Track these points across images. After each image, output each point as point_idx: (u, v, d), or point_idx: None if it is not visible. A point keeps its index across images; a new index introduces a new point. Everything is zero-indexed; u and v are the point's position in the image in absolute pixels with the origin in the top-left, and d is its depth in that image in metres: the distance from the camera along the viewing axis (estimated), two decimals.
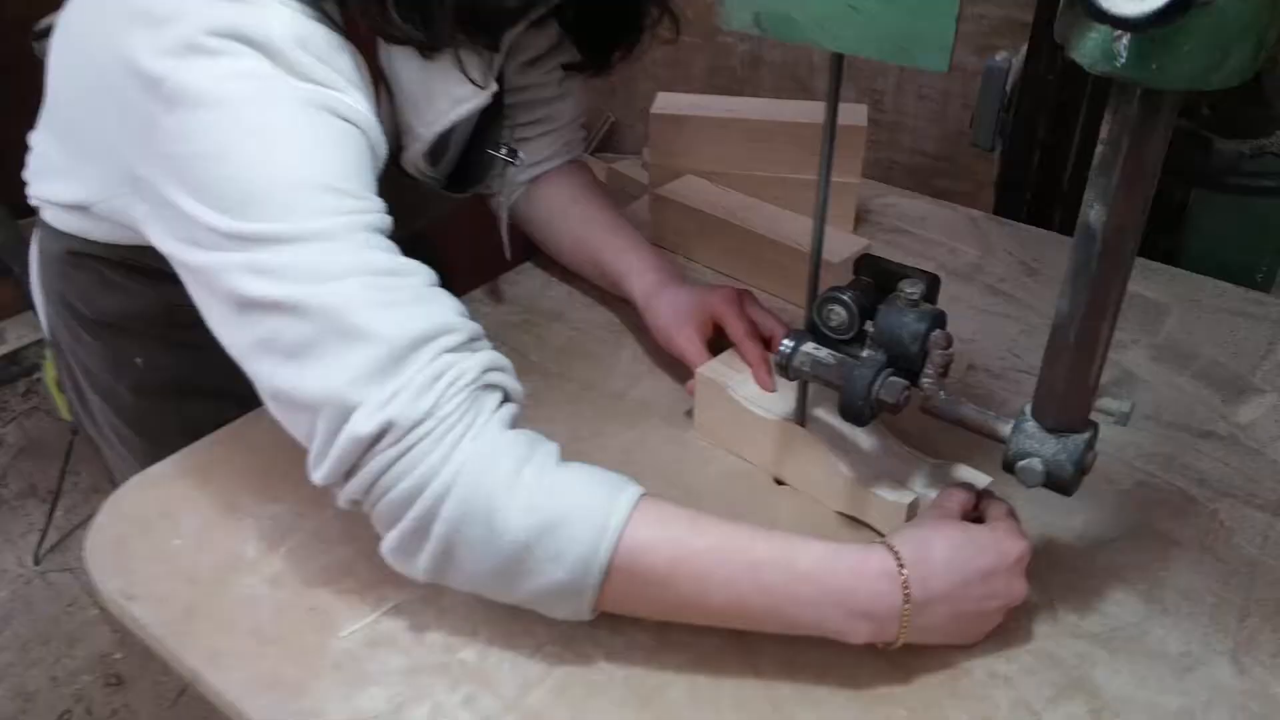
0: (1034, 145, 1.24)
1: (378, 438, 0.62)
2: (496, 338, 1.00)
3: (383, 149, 0.73)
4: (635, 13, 0.91)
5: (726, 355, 0.87)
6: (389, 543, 0.65)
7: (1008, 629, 0.70)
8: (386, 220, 0.68)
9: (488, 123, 0.94)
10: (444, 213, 0.99)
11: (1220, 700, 0.66)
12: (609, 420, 0.90)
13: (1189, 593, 0.73)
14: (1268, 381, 0.94)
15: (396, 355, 0.62)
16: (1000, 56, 1.18)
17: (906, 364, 0.70)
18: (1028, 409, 0.66)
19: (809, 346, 0.74)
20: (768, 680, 0.67)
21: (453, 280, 1.26)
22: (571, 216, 1.04)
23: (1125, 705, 0.65)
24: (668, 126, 1.16)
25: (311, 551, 0.77)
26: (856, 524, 0.79)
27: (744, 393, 0.83)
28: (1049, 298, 1.03)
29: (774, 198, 1.14)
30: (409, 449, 0.62)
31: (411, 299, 0.65)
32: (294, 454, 0.66)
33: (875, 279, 0.74)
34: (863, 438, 0.80)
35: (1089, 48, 0.49)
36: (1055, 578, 0.74)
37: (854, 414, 0.70)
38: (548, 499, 0.63)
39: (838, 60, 0.65)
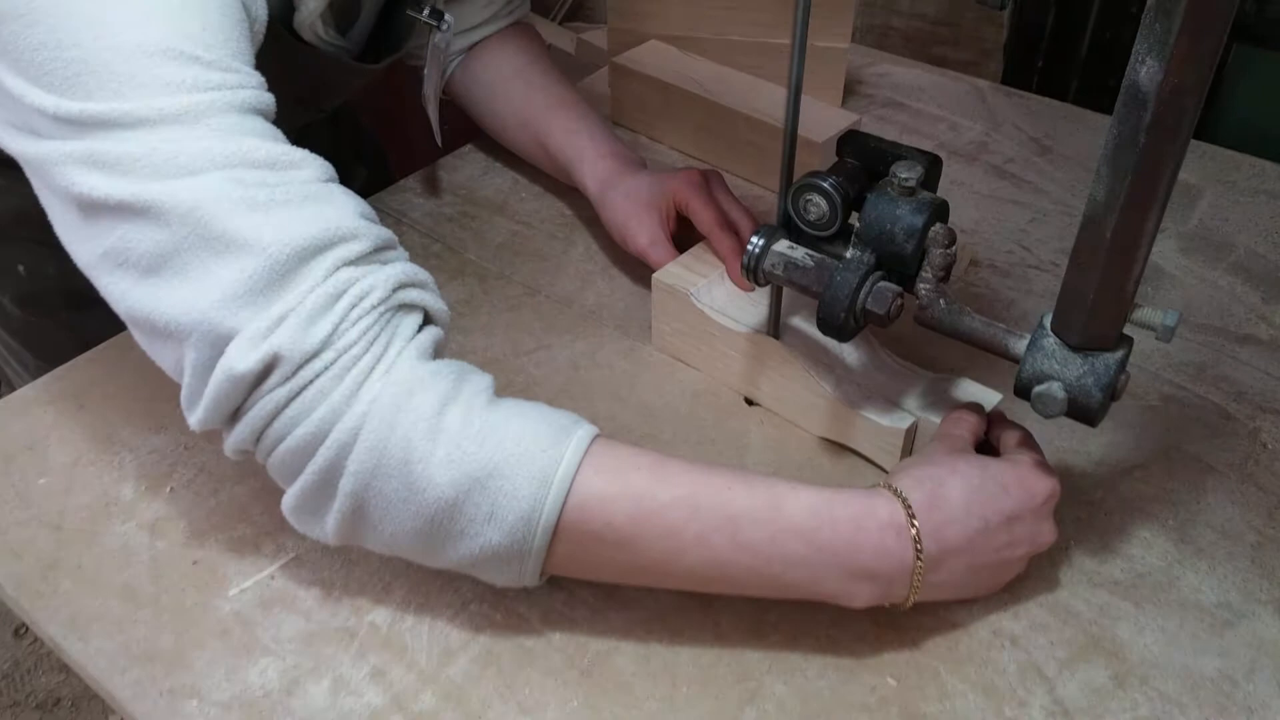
0: (1049, 2, 1.08)
1: (263, 374, 0.49)
2: (430, 233, 0.88)
3: (261, 7, 0.58)
4: None
5: (688, 256, 0.74)
6: (289, 500, 0.53)
7: (1018, 577, 0.59)
8: (265, 99, 0.54)
9: None
10: (359, 89, 0.85)
11: (1265, 661, 0.56)
12: (555, 330, 0.77)
13: (1227, 530, 0.63)
14: None
15: (279, 269, 0.49)
16: None
17: (899, 265, 0.57)
18: (1046, 320, 0.53)
19: (782, 245, 0.61)
20: (733, 645, 0.57)
21: (384, 170, 1.13)
22: (514, 92, 0.89)
23: (1153, 669, 0.55)
24: None
25: (199, 492, 0.65)
26: (841, 451, 0.68)
27: (708, 300, 0.71)
28: (1064, 180, 0.90)
29: (751, 66, 0.99)
30: (303, 387, 0.49)
31: (298, 197, 0.51)
32: None
33: (862, 161, 0.61)
34: (847, 350, 0.68)
35: None
36: (1070, 513, 0.63)
37: (834, 327, 0.58)
38: (478, 446, 0.50)
39: None
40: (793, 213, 0.60)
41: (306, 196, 0.52)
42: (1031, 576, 0.60)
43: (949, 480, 0.54)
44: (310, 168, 0.53)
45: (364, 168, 1.06)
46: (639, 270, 0.82)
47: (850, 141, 0.61)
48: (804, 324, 0.69)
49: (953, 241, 0.56)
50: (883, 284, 0.57)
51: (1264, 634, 0.57)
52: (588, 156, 0.83)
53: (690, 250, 0.75)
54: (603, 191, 0.81)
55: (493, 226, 0.88)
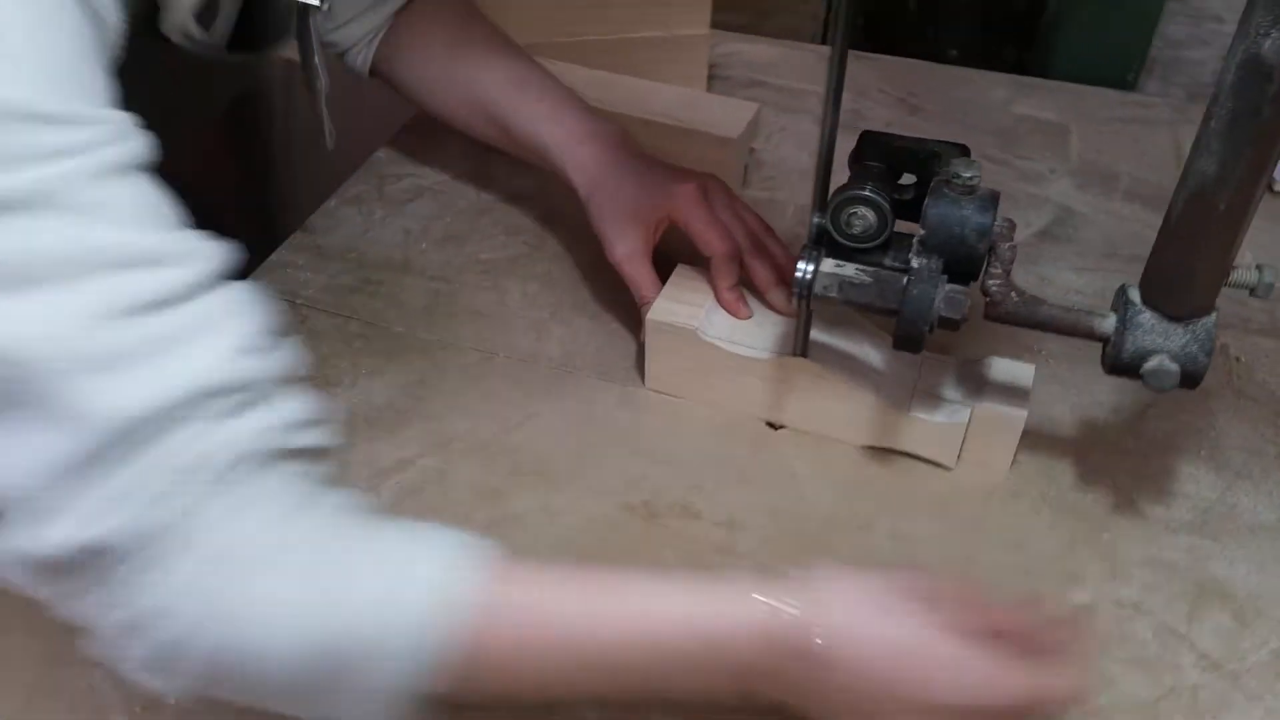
0: None
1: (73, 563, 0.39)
2: (338, 312, 0.75)
3: (112, 10, 0.44)
4: None
5: (672, 287, 0.68)
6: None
7: (1104, 543, 0.60)
8: (137, 147, 0.41)
9: None
10: (238, 94, 0.71)
11: None
12: (535, 394, 0.69)
13: (1250, 448, 0.66)
14: None
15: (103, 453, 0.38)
16: None
17: (965, 266, 0.55)
18: (1134, 295, 0.53)
19: (828, 265, 0.57)
20: None
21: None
22: (456, 71, 0.78)
23: (1261, 599, 0.58)
24: None
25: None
26: (890, 456, 0.65)
27: (716, 332, 0.66)
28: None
29: (611, 65, 0.94)
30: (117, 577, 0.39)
31: (166, 335, 0.39)
32: None
33: (887, 163, 0.58)
34: (870, 354, 0.66)
35: None
36: (1118, 465, 0.65)
37: (914, 341, 0.55)
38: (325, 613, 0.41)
39: None
40: (833, 229, 0.56)
41: (179, 332, 0.40)
42: (1121, 538, 0.61)
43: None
44: (196, 263, 0.41)
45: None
46: (591, 306, 0.75)
47: (871, 144, 0.58)
48: (823, 335, 0.65)
49: (1014, 232, 0.55)
50: (950, 287, 0.55)
51: None
52: (566, 144, 0.73)
53: (671, 280, 0.69)
54: (590, 193, 0.72)
55: (406, 288, 0.78)
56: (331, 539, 0.42)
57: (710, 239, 0.67)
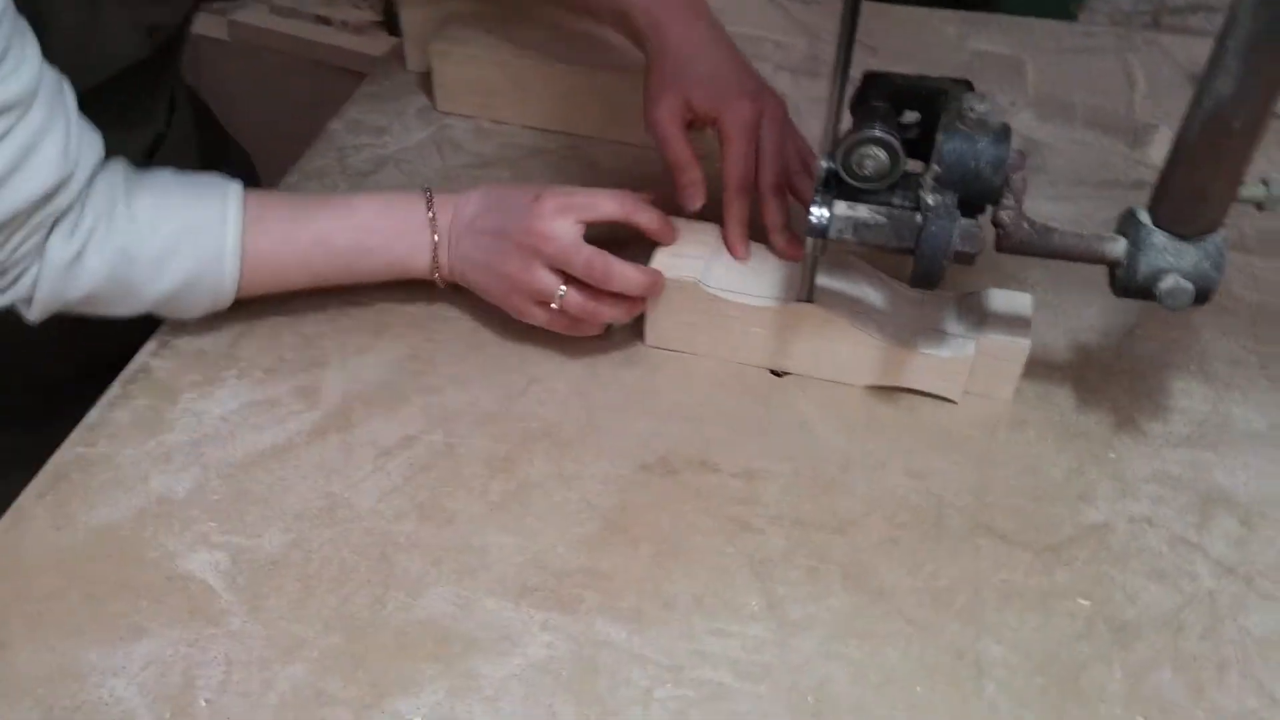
0: None
1: None
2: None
3: None
4: None
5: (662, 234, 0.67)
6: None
7: (1110, 462, 0.62)
8: None
9: None
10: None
11: None
12: (534, 359, 0.68)
13: (1235, 359, 0.69)
14: (1150, 114, 0.91)
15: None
16: None
17: (984, 200, 0.55)
18: (1143, 216, 0.54)
19: (841, 207, 0.57)
20: (941, 618, 0.54)
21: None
22: None
23: (1263, 503, 0.60)
24: None
25: (245, 691, 0.51)
26: (896, 394, 0.66)
27: (718, 283, 0.65)
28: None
29: (564, 22, 0.92)
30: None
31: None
32: None
33: (892, 102, 0.58)
34: (872, 294, 0.66)
35: None
36: (1114, 386, 0.66)
37: (932, 278, 0.55)
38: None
39: None
40: (844, 171, 0.56)
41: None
42: (1123, 458, 0.62)
43: (473, 198, 0.66)
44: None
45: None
46: None
47: (875, 84, 0.58)
48: (825, 281, 0.65)
49: (1025, 161, 0.55)
50: (964, 222, 0.55)
51: None
52: None
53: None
54: (658, 47, 0.70)
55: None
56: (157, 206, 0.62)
57: (732, 166, 0.66)
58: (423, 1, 0.91)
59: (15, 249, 0.57)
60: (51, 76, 0.56)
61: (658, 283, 0.64)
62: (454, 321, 0.70)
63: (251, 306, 0.70)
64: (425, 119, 0.89)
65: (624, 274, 0.63)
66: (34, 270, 0.59)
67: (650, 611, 0.55)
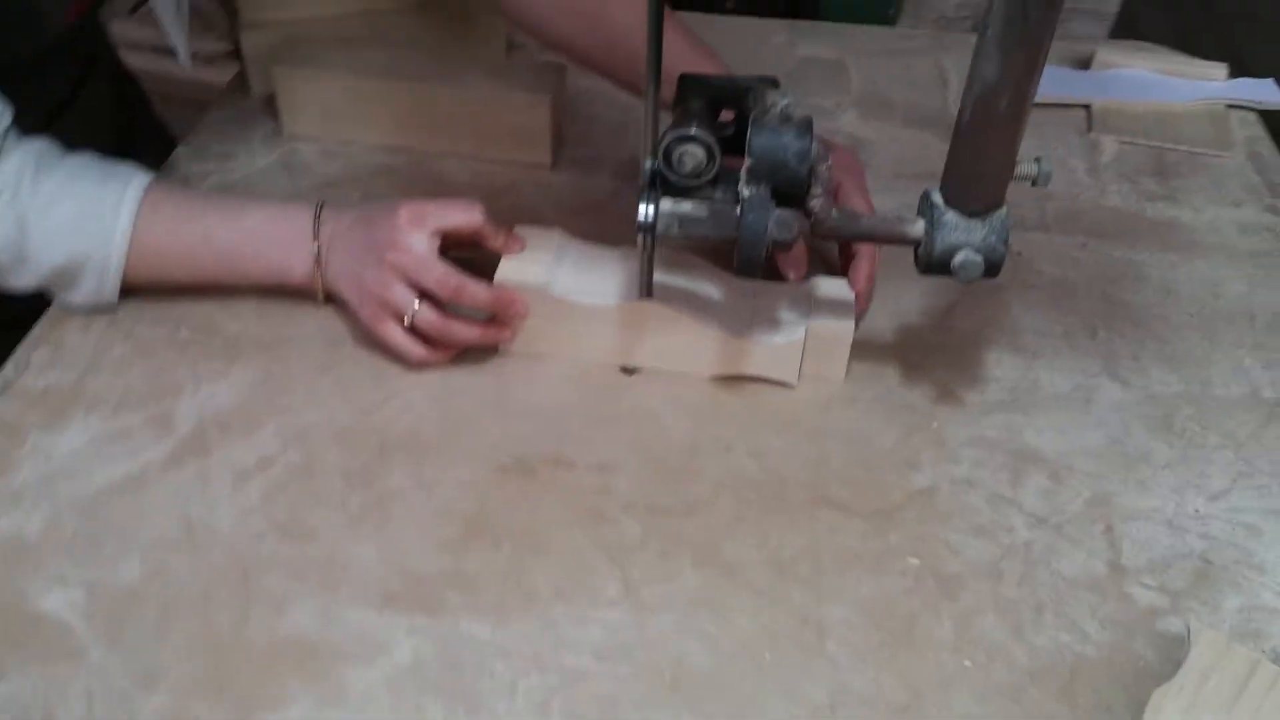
0: None
1: None
2: (158, 319, 0.71)
3: None
4: None
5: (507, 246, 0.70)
6: None
7: (933, 431, 0.67)
8: None
9: None
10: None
11: (1125, 417, 0.69)
12: (388, 377, 0.69)
13: (1041, 330, 0.75)
14: None
15: None
16: None
17: (793, 189, 0.59)
18: (935, 197, 0.59)
19: (667, 204, 0.60)
20: (785, 589, 0.58)
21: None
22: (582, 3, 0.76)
23: (1068, 456, 0.66)
24: None
25: None
26: (738, 381, 0.70)
27: (564, 286, 0.68)
28: None
29: (398, 39, 0.94)
30: None
31: None
32: None
33: (707, 101, 0.62)
34: (707, 287, 0.70)
35: None
36: (935, 361, 0.72)
37: (753, 265, 0.59)
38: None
39: None
40: (665, 169, 0.59)
41: None
42: (941, 424, 0.67)
43: (351, 213, 0.69)
44: None
45: (153, 154, 0.89)
46: None
47: (691, 85, 0.61)
48: (664, 278, 0.69)
49: (829, 153, 0.60)
50: (779, 211, 0.59)
51: (1111, 395, 0.70)
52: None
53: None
54: None
55: (232, 288, 0.75)
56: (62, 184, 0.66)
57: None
58: (262, 25, 0.91)
59: None
60: None
61: (504, 300, 0.67)
62: (307, 342, 0.71)
63: (97, 341, 0.70)
64: (271, 143, 0.89)
65: (474, 292, 0.66)
66: None
67: (512, 607, 0.57)
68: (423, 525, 0.60)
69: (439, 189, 0.86)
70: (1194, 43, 1.07)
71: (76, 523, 0.59)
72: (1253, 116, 0.98)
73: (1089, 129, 0.95)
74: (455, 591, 0.57)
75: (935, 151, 0.91)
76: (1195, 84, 1.00)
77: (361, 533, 0.60)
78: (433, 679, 0.53)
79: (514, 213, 0.77)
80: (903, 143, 0.93)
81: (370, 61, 0.88)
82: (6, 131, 0.65)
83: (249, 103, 0.94)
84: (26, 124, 0.66)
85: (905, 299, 0.77)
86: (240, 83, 0.96)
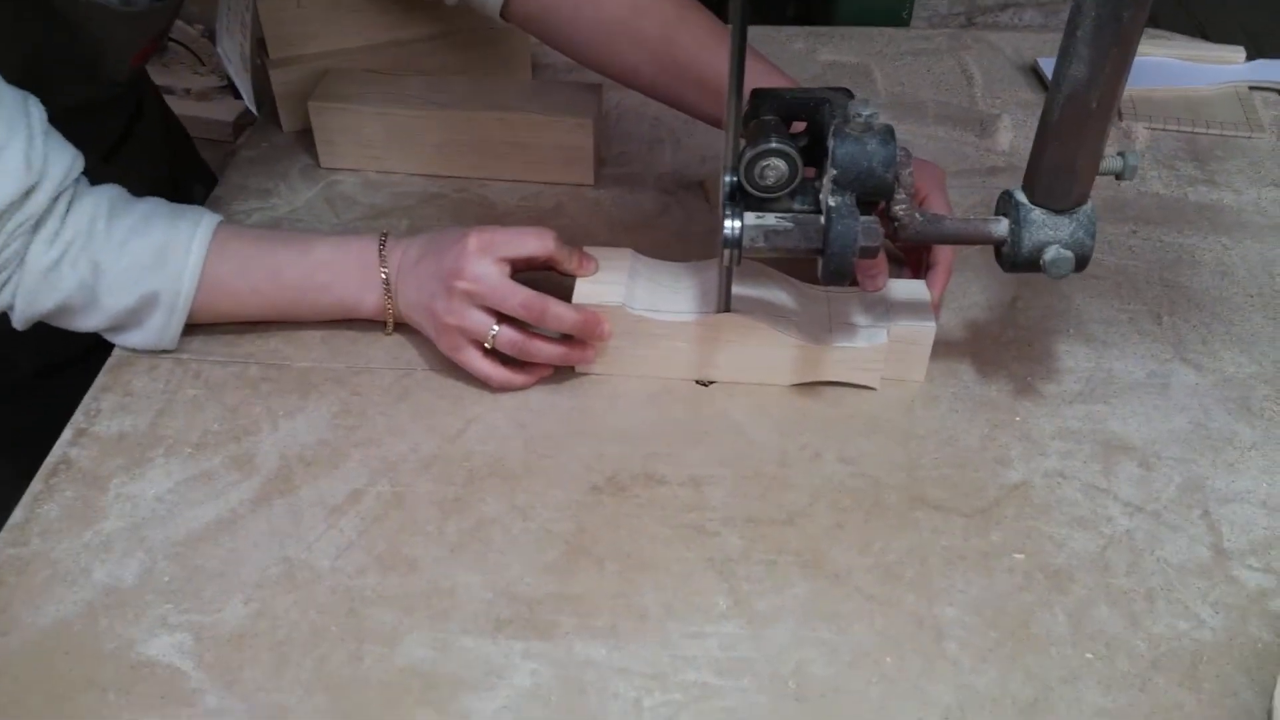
0: None
1: None
2: (226, 358, 0.70)
3: None
4: None
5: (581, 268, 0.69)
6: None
7: (1017, 425, 0.67)
8: None
9: None
10: (142, 49, 0.76)
11: (1203, 399, 0.69)
12: (465, 401, 0.68)
13: (1107, 319, 0.75)
14: (990, 104, 0.99)
15: None
16: None
17: (878, 196, 0.59)
18: (1019, 195, 0.60)
19: (751, 218, 0.60)
20: (902, 601, 0.58)
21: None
22: (645, 28, 0.75)
23: (1156, 444, 0.66)
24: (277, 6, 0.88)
25: None
26: (820, 388, 0.69)
27: (642, 304, 0.68)
28: None
29: (440, 67, 0.94)
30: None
31: None
32: None
33: (782, 115, 0.61)
34: (783, 296, 0.70)
35: None
36: (1007, 355, 0.72)
37: (844, 274, 0.59)
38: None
39: None
40: (747, 183, 0.59)
41: None
42: (1027, 420, 0.68)
43: (417, 241, 0.69)
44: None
45: (201, 186, 0.91)
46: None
47: (766, 101, 0.61)
48: (739, 289, 0.68)
49: (910, 158, 0.60)
50: (865, 219, 0.59)
51: (1186, 379, 0.70)
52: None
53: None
54: None
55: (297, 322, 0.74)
56: (134, 227, 0.66)
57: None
58: (291, 62, 0.91)
59: None
60: (12, 96, 0.61)
61: (590, 321, 0.66)
62: (378, 374, 0.70)
63: (166, 383, 0.69)
64: (310, 177, 0.88)
65: (559, 313, 0.65)
66: (15, 278, 0.63)
67: (625, 626, 0.56)
68: (524, 550, 0.60)
69: (487, 213, 0.85)
70: (1208, 27, 1.09)
71: (172, 568, 0.58)
72: (1275, 96, 1.00)
73: (1120, 118, 0.96)
74: (566, 614, 0.57)
75: (972, 148, 0.93)
76: (1216, 68, 1.01)
77: (463, 561, 0.59)
78: (556, 702, 0.53)
79: (566, 233, 0.76)
80: (939, 141, 0.94)
81: (406, 91, 0.88)
82: (79, 180, 0.64)
83: (281, 138, 0.93)
84: (86, 165, 0.66)
85: (967, 294, 0.77)
86: (270, 119, 0.95)
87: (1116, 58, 0.52)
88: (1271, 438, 0.66)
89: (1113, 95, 0.54)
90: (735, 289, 0.68)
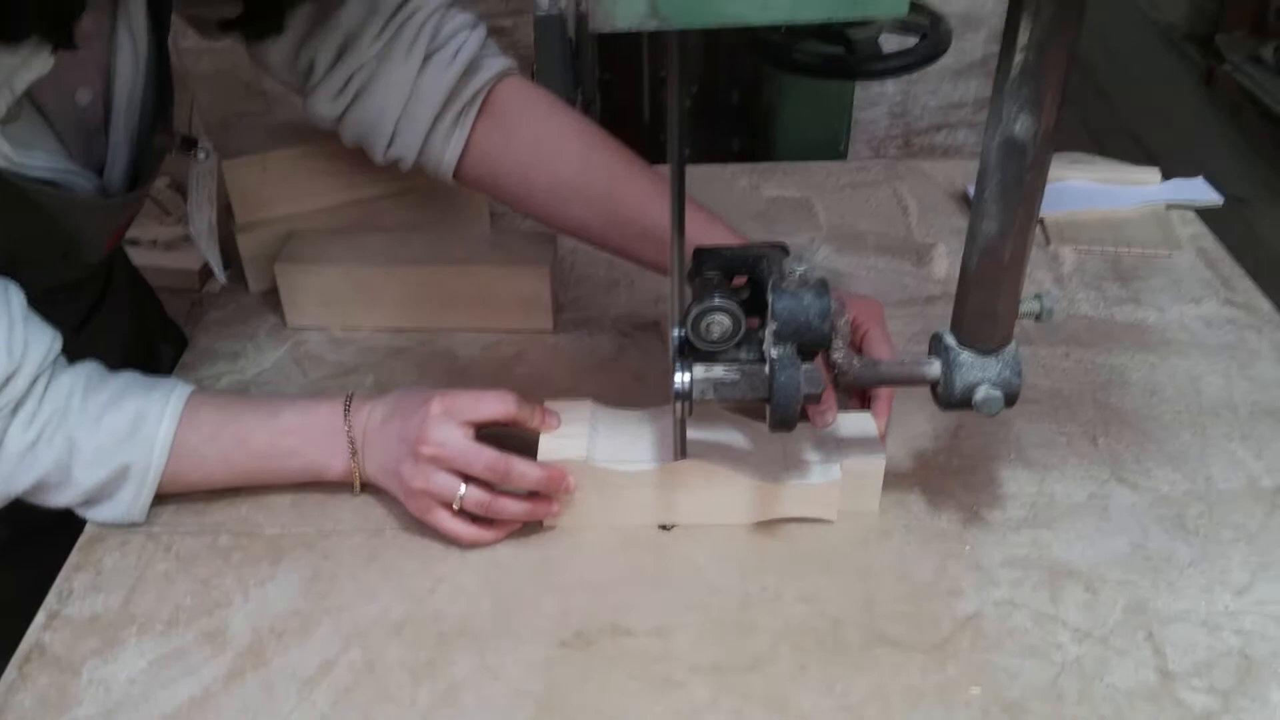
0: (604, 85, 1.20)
1: None
2: (196, 529, 0.71)
3: None
4: None
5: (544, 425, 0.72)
6: None
7: (967, 555, 0.70)
8: None
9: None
10: (116, 231, 0.79)
11: (1142, 521, 0.72)
12: (433, 561, 0.70)
13: (1045, 442, 0.79)
14: (925, 234, 1.04)
15: None
16: (548, 1, 1.10)
17: (813, 346, 0.63)
18: (948, 339, 0.63)
19: (700, 370, 0.63)
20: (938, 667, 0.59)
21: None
22: (593, 186, 0.80)
23: (1098, 565, 0.69)
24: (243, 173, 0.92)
25: None
26: (778, 524, 0.72)
27: (605, 456, 0.70)
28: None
29: (400, 223, 0.98)
30: None
31: None
32: None
33: (723, 271, 0.65)
34: (737, 437, 0.73)
35: None
36: (953, 483, 0.75)
37: (789, 421, 0.62)
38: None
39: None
40: (694, 337, 0.63)
41: None
42: (973, 550, 0.70)
43: (383, 402, 0.71)
44: None
45: (169, 346, 0.94)
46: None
47: (708, 258, 0.65)
48: (694, 434, 0.71)
49: (846, 308, 0.64)
50: (806, 367, 0.63)
51: (1124, 500, 0.74)
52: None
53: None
54: None
55: (265, 487, 0.76)
56: (108, 403, 0.68)
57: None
58: (256, 226, 0.94)
59: None
60: None
61: (554, 477, 0.69)
62: (348, 536, 0.72)
63: (137, 558, 0.70)
64: (277, 336, 0.91)
65: (523, 471, 0.68)
66: None
67: None
68: (495, 713, 0.61)
69: (450, 365, 0.88)
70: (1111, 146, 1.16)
71: None
72: (1191, 214, 1.06)
73: (1047, 242, 1.01)
74: None
75: (911, 278, 0.97)
76: (1134, 189, 1.08)
77: None
78: None
79: (528, 380, 0.79)
80: (879, 272, 0.99)
81: (369, 249, 0.91)
82: (56, 359, 0.66)
83: (247, 298, 0.96)
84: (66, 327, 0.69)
85: (911, 424, 0.80)
86: (237, 279, 0.98)
87: (1023, 215, 0.57)
88: (1206, 554, 0.70)
89: (1024, 247, 0.58)
90: (691, 434, 0.71)
